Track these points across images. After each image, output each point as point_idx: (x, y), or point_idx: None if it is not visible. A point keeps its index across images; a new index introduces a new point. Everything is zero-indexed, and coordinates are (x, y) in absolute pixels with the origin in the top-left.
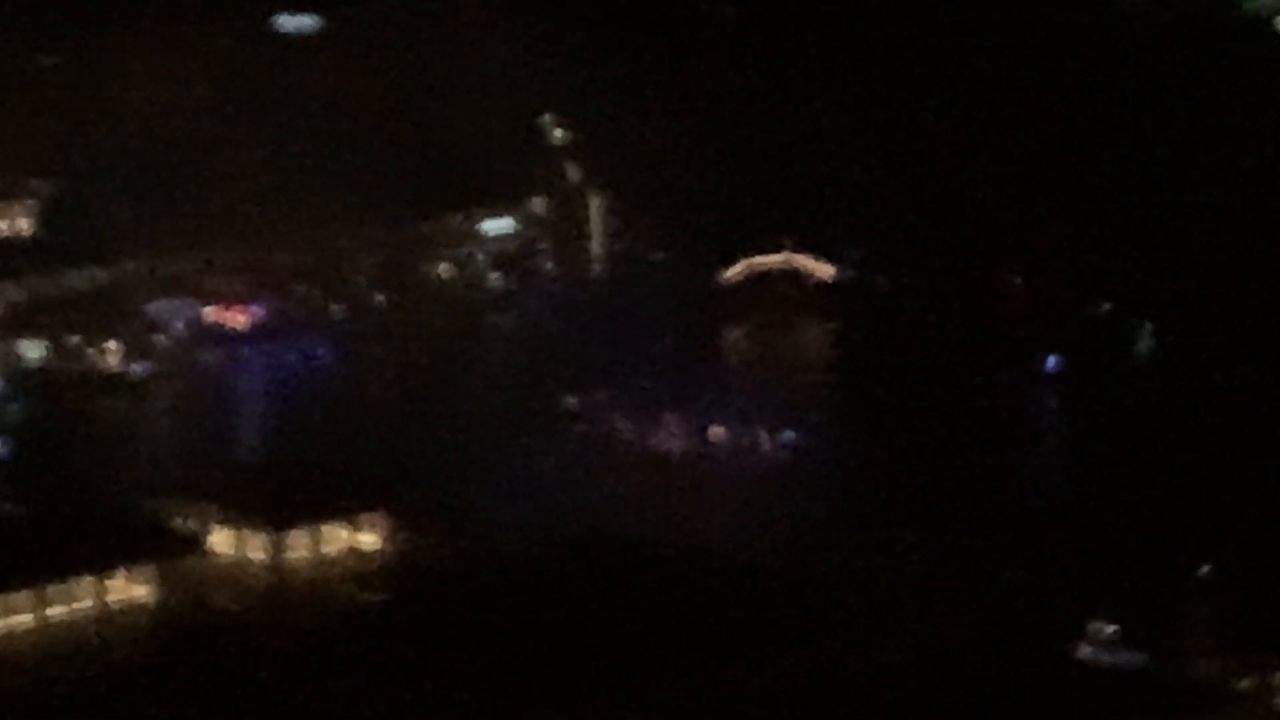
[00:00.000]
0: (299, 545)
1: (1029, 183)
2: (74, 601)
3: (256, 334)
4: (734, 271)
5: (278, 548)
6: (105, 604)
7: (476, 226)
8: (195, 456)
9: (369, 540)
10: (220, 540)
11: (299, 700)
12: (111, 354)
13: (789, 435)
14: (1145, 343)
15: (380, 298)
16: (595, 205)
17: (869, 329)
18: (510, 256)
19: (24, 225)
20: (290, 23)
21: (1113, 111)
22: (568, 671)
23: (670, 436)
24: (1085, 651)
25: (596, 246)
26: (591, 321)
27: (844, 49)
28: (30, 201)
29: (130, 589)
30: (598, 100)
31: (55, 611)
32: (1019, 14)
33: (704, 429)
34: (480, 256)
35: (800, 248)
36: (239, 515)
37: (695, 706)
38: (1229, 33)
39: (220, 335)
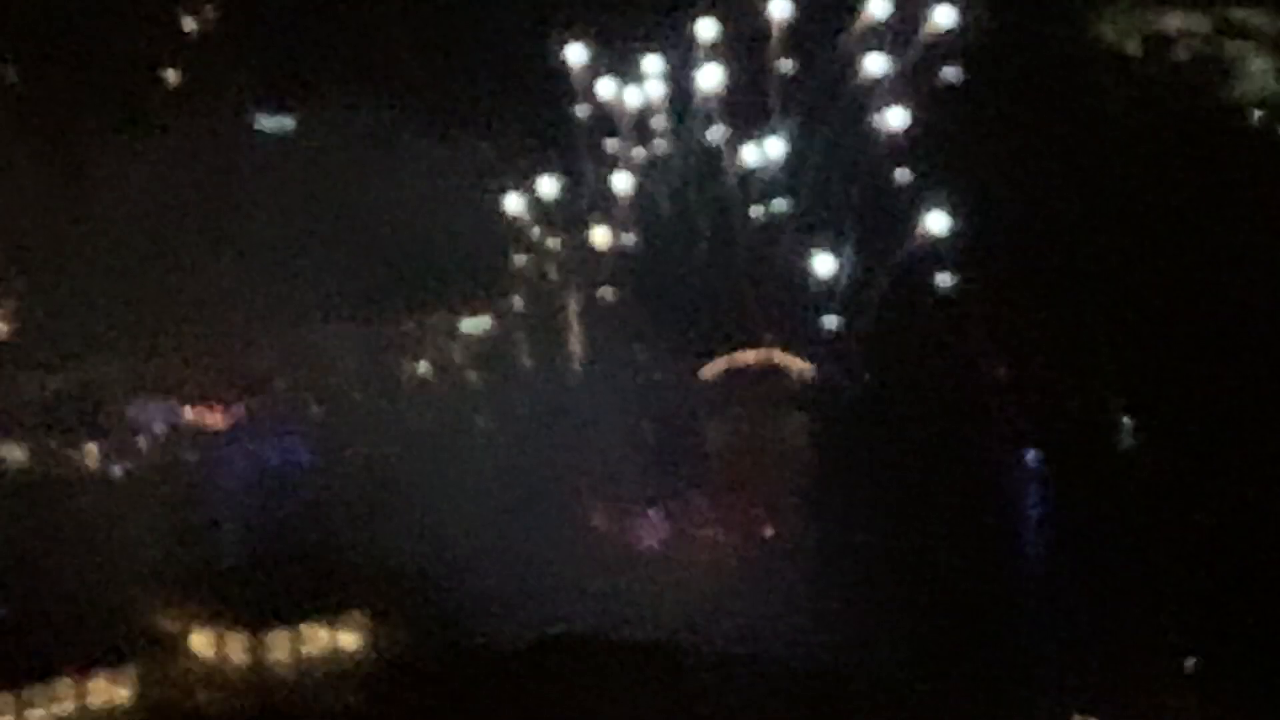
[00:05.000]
0: (280, 646)
1: (1010, 280)
2: (55, 703)
3: (236, 433)
4: (714, 367)
5: (258, 649)
6: (86, 706)
7: (455, 325)
8: (176, 557)
9: (350, 640)
10: (201, 641)
11: None
12: (91, 456)
13: (769, 530)
14: (1127, 439)
15: (359, 396)
16: (575, 307)
17: (851, 424)
18: (489, 355)
19: (3, 329)
20: (269, 123)
21: (1096, 211)
22: None
23: (652, 532)
24: None
25: (577, 343)
26: (571, 418)
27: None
28: (9, 304)
29: (112, 690)
30: (558, 199)
31: (35, 714)
32: (1007, 101)
33: (684, 523)
34: (459, 355)
35: (781, 344)
36: (220, 616)
37: None
38: (1220, 129)
39: (200, 435)
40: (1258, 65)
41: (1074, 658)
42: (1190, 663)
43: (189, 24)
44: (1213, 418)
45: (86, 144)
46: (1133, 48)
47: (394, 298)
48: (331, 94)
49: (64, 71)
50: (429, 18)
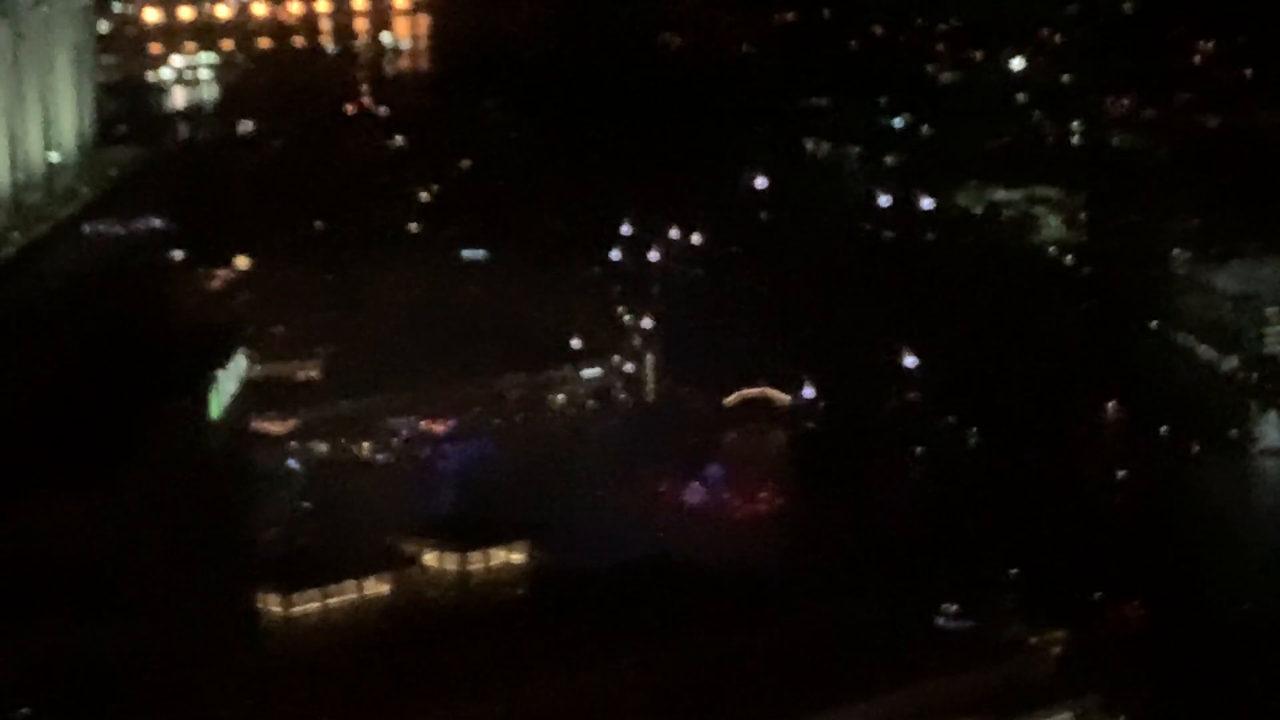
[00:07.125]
0: (476, 560)
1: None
2: (344, 595)
3: (450, 437)
4: (731, 398)
5: (463, 562)
6: (363, 596)
7: (580, 373)
8: (415, 509)
9: (518, 558)
10: (430, 558)
11: (477, 648)
12: (365, 450)
13: (763, 494)
14: (972, 440)
15: (521, 415)
16: (650, 362)
17: (810, 432)
18: (599, 391)
19: (314, 374)
20: (469, 254)
21: (960, 308)
22: (628, 630)
23: (696, 496)
24: (940, 621)
25: (651, 384)
26: (648, 429)
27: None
28: (316, 360)
29: (378, 587)
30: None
31: (334, 600)
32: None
33: (713, 490)
34: (581, 391)
35: (770, 384)
36: (440, 542)
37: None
38: (1030, 258)
39: (429, 438)
40: (1051, 220)
41: (943, 567)
42: (1012, 571)
43: (423, 196)
44: (1020, 428)
45: (365, 265)
46: (979, 210)
47: (543, 358)
48: (503, 239)
49: (356, 226)
50: (547, 205)
